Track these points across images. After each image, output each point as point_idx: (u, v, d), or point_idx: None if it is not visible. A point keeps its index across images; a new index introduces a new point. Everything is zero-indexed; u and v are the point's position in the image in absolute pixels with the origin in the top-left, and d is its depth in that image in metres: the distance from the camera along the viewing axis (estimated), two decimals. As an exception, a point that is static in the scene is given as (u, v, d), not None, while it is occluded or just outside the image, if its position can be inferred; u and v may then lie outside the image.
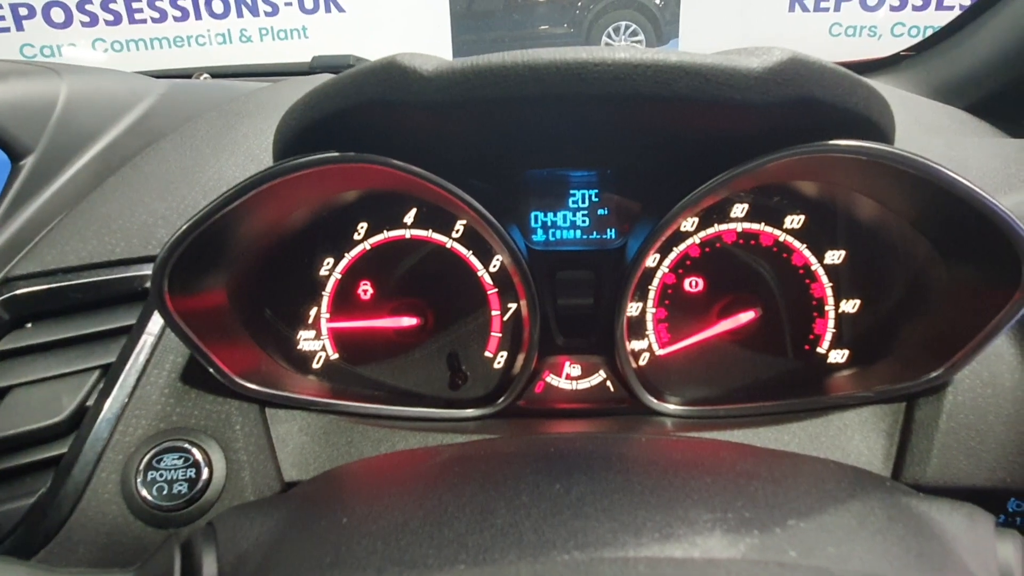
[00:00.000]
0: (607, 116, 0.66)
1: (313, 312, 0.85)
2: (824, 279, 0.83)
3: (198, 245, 0.67)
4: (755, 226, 0.82)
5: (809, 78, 0.61)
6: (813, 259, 0.82)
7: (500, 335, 0.85)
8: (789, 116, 0.63)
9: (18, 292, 0.74)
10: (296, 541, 0.46)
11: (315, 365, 0.85)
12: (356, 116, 0.65)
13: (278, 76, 1.33)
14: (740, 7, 4.39)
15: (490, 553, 0.40)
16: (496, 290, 0.84)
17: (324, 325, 0.85)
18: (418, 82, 0.60)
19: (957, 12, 1.21)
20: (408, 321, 0.84)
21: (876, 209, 0.77)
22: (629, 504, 0.45)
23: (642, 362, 0.85)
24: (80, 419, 0.71)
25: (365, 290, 0.85)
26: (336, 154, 0.67)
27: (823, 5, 4.11)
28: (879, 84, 1.09)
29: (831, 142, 0.66)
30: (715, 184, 0.69)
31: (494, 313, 0.85)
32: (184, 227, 0.66)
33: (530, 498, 0.46)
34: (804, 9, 4.16)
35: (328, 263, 0.84)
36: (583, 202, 0.83)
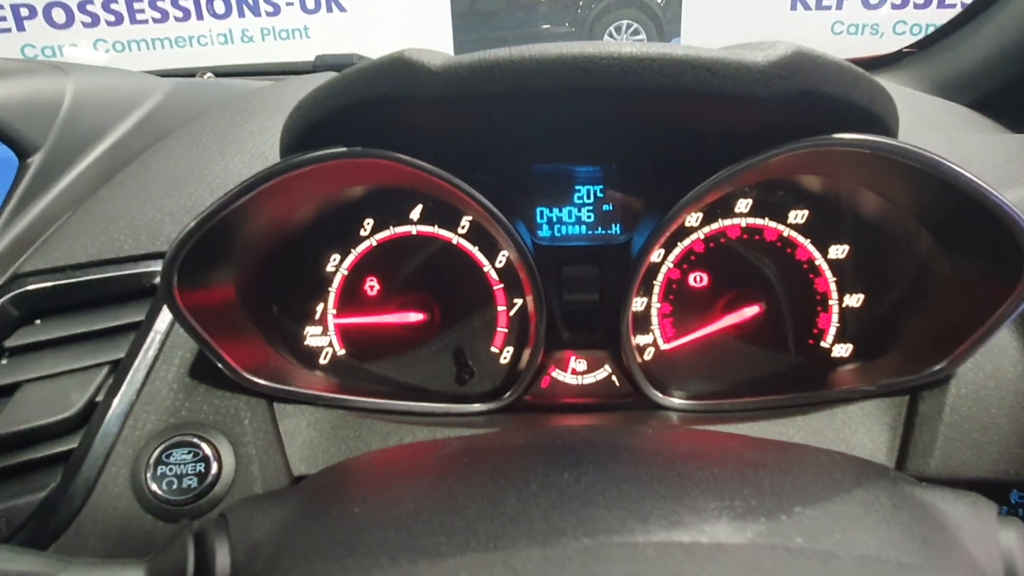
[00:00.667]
0: (612, 110, 0.66)
1: (320, 308, 0.85)
2: (828, 274, 0.83)
3: (206, 241, 0.68)
4: (759, 221, 0.82)
5: (814, 72, 0.61)
6: (817, 254, 0.83)
7: (506, 330, 0.85)
8: (793, 110, 0.64)
9: (28, 288, 0.75)
10: (308, 531, 0.46)
11: (322, 361, 0.86)
12: (363, 111, 0.65)
13: (282, 75, 1.34)
14: (742, 6, 4.40)
15: (501, 540, 0.41)
16: (502, 286, 0.84)
17: (331, 321, 0.85)
18: (425, 76, 0.61)
19: (959, 10, 1.22)
20: (415, 317, 0.84)
21: (879, 203, 0.78)
22: (637, 493, 0.45)
23: (647, 357, 0.85)
24: (90, 414, 0.71)
25: (372, 286, 0.85)
26: (343, 149, 0.68)
27: (825, 3, 4.11)
28: (882, 81, 1.10)
29: (835, 136, 0.66)
30: (719, 179, 0.70)
31: (500, 308, 0.85)
32: (193, 223, 0.66)
33: (539, 487, 0.46)
34: (806, 7, 4.17)
35: (335, 259, 0.84)
36: (588, 198, 0.83)
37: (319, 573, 0.42)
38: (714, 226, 0.83)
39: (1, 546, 0.49)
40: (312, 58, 1.42)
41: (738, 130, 0.69)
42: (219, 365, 0.71)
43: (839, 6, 4.09)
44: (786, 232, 0.83)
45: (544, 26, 7.19)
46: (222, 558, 0.46)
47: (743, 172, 0.69)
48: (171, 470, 0.70)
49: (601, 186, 0.83)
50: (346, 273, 0.85)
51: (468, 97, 0.62)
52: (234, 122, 0.91)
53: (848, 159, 0.70)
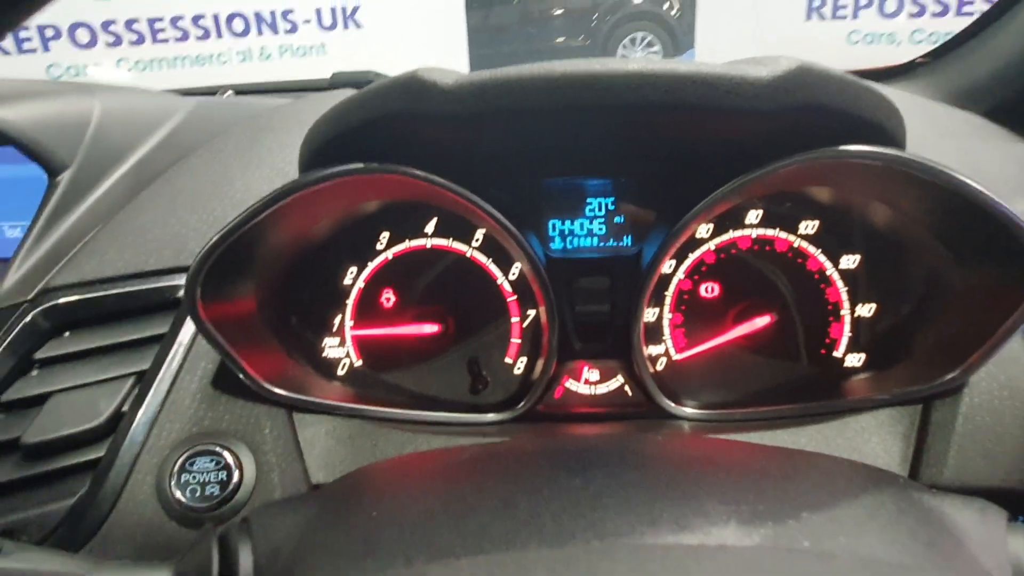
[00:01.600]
0: (620, 125, 0.68)
1: (337, 320, 0.87)
2: (839, 284, 0.83)
3: (228, 255, 0.70)
4: (770, 232, 0.83)
5: (816, 85, 0.62)
6: (828, 264, 0.83)
7: (520, 341, 0.87)
8: (798, 123, 0.65)
9: (57, 302, 0.78)
10: (328, 533, 0.48)
11: (340, 371, 0.87)
12: (379, 128, 0.67)
13: (300, 92, 1.36)
14: (756, 16, 4.39)
15: (512, 542, 0.42)
16: (515, 297, 0.86)
17: (348, 332, 0.87)
18: (438, 95, 0.63)
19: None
20: (430, 328, 0.86)
21: (889, 214, 0.78)
22: (646, 497, 0.46)
23: (659, 367, 0.86)
24: (116, 424, 0.73)
25: (388, 298, 0.87)
26: (360, 165, 0.70)
27: (841, 12, 4.09)
28: (895, 91, 1.10)
29: (840, 148, 0.67)
30: (727, 190, 0.71)
31: (514, 320, 0.86)
32: (215, 238, 0.68)
33: (550, 491, 0.47)
34: (821, 17, 4.15)
35: (352, 272, 0.86)
36: (599, 210, 0.85)
37: (338, 573, 0.43)
38: (725, 237, 0.84)
39: (34, 547, 0.51)
40: (329, 75, 1.45)
41: (746, 143, 0.70)
42: (240, 376, 0.73)
43: (855, 15, 4.07)
44: (797, 243, 0.83)
45: (558, 39, 7.20)
46: (245, 559, 0.48)
47: (750, 184, 0.70)
48: (194, 478, 0.71)
49: (612, 198, 0.84)
50: (363, 285, 0.86)
51: (479, 114, 0.63)
52: (254, 139, 0.94)
53: (855, 171, 0.71)
